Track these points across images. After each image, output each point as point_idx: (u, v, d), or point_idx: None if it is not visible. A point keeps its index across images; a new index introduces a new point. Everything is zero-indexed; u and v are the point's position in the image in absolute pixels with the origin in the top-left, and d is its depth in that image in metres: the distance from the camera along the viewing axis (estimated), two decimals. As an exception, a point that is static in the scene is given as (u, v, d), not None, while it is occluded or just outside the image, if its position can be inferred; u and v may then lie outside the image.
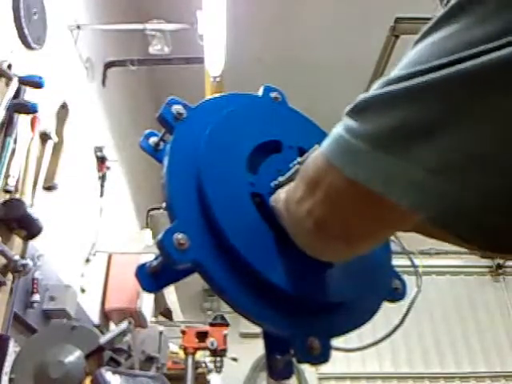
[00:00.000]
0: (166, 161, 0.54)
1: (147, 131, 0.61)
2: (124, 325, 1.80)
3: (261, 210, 0.60)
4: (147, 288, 0.52)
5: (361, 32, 3.74)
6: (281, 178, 0.58)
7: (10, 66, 1.85)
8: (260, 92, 0.69)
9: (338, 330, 0.61)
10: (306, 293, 0.59)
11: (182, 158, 0.55)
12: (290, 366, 0.60)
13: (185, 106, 0.57)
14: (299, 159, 0.60)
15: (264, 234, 0.58)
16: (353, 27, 3.78)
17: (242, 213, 0.57)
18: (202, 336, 2.90)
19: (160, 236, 0.48)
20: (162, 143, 0.59)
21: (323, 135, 0.64)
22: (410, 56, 0.39)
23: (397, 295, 0.72)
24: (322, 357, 0.57)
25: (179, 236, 0.49)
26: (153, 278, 0.52)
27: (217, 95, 0.62)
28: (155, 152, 0.60)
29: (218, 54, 2.94)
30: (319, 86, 4.23)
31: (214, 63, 3.01)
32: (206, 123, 0.57)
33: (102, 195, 2.90)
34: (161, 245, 0.48)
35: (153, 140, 0.60)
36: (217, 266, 0.52)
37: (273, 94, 0.70)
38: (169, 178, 0.53)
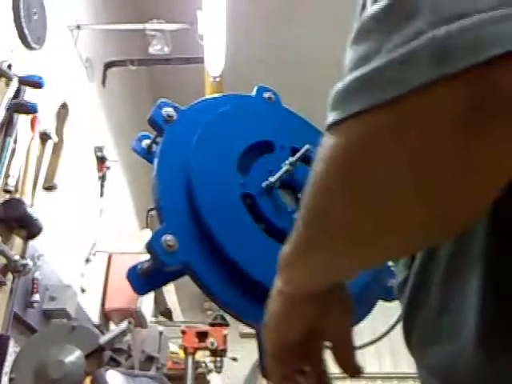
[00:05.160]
0: (155, 163, 0.54)
1: (140, 134, 0.61)
2: (124, 325, 1.80)
3: (252, 210, 0.60)
4: (138, 290, 0.52)
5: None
6: (272, 179, 0.58)
7: (10, 66, 1.85)
8: (253, 93, 0.69)
9: None
10: None
11: (172, 160, 0.54)
12: None
13: (175, 108, 0.57)
14: (291, 159, 0.60)
15: (254, 234, 0.58)
16: (353, 27, 3.77)
17: (231, 214, 0.56)
18: (202, 336, 2.90)
19: (149, 238, 0.48)
20: (154, 145, 0.59)
21: (318, 135, 0.64)
22: None
23: (392, 294, 0.72)
24: None
25: (168, 238, 0.49)
26: (144, 280, 0.52)
27: (209, 97, 0.62)
28: (148, 154, 0.60)
29: (217, 54, 2.94)
30: (319, 86, 4.21)
31: (214, 63, 3.01)
32: (196, 125, 0.56)
33: (102, 195, 2.90)
34: (150, 247, 0.48)
35: (145, 142, 0.61)
36: (206, 268, 0.52)
37: (266, 95, 0.69)
38: (158, 180, 0.53)
